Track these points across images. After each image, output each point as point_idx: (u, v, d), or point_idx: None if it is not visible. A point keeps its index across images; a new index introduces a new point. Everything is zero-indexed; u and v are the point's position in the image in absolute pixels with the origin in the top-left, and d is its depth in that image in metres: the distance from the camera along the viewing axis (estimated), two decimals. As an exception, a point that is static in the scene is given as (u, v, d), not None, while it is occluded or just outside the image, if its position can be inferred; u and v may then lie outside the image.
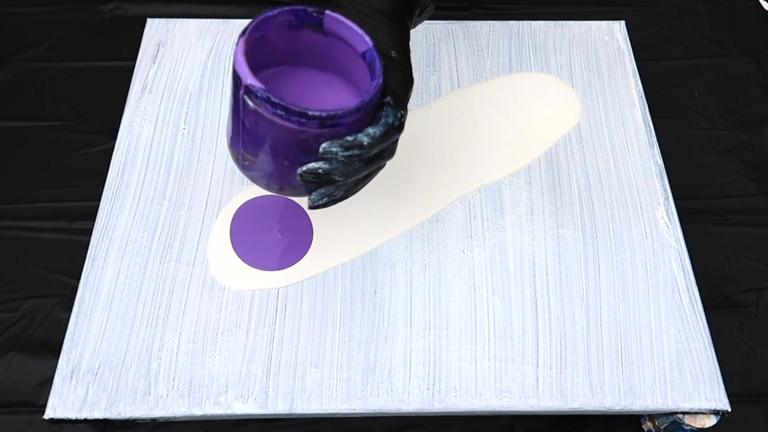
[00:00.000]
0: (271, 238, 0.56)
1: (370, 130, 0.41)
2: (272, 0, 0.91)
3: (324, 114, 0.39)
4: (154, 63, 0.66)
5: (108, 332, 0.51)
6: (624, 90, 0.66)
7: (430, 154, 0.60)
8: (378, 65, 0.41)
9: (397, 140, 0.44)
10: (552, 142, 0.62)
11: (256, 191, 0.58)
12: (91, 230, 0.56)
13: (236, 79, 0.40)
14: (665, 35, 0.91)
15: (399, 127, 0.43)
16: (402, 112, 0.43)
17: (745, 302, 0.71)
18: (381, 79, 0.41)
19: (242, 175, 0.59)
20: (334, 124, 0.40)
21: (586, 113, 0.64)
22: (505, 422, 0.64)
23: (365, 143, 0.41)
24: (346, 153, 0.41)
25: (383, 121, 0.42)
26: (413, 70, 0.46)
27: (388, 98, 0.43)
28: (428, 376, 0.50)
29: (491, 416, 0.63)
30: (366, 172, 0.43)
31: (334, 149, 0.40)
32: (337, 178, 0.41)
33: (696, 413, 0.52)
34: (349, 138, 0.40)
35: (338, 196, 0.43)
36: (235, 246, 0.55)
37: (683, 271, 0.55)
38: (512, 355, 0.51)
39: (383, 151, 0.43)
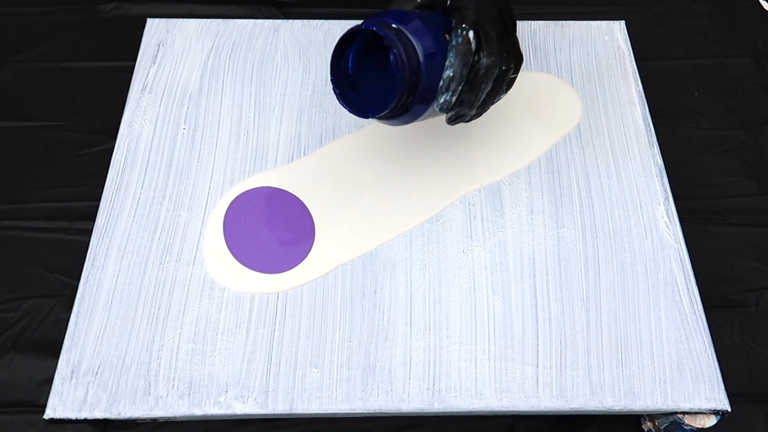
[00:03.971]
0: (270, 238, 0.55)
1: (446, 63, 0.45)
2: (273, 0, 0.91)
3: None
4: (154, 63, 0.66)
5: (108, 332, 0.51)
6: (624, 90, 0.66)
7: (430, 154, 0.60)
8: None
9: (491, 45, 0.46)
10: (552, 143, 0.62)
11: (247, 186, 0.58)
12: (91, 230, 0.56)
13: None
14: (665, 35, 0.91)
15: (464, 43, 0.45)
16: (462, 27, 0.45)
17: (745, 302, 0.70)
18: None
19: (242, 175, 0.59)
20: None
21: (586, 113, 0.64)
22: (505, 422, 0.63)
23: (452, 75, 0.45)
24: (454, 96, 0.46)
25: (452, 44, 0.45)
26: None
27: (454, 20, 0.46)
28: (428, 376, 0.50)
29: (491, 416, 0.63)
30: (487, 88, 0.47)
31: (443, 99, 0.46)
32: (464, 112, 0.49)
33: (696, 413, 0.52)
34: (442, 86, 0.45)
35: (468, 118, 0.50)
36: (231, 247, 0.55)
37: (683, 271, 0.55)
38: (512, 355, 0.51)
39: (487, 67, 0.46)
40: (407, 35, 0.44)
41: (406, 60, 0.44)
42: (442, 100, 0.46)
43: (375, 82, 0.48)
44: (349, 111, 0.48)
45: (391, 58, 0.45)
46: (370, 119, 0.47)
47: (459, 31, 0.45)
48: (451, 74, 0.45)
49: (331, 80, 0.48)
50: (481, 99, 0.48)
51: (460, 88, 0.46)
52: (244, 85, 0.65)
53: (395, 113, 0.47)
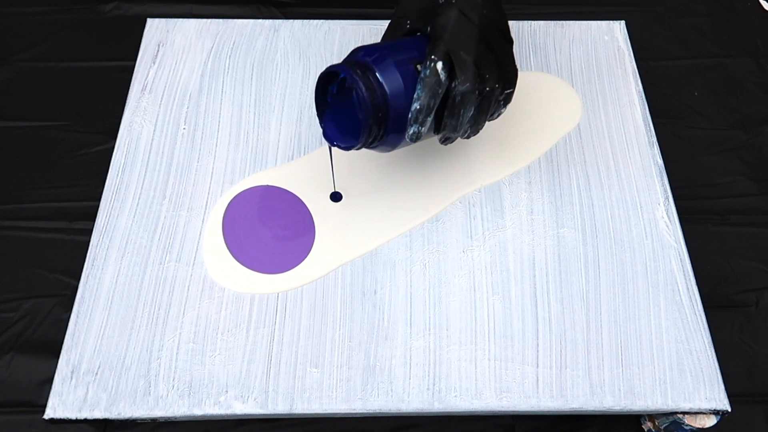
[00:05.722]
0: (270, 238, 0.55)
1: (414, 95, 0.45)
2: (273, 0, 0.91)
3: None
4: (154, 63, 0.66)
5: (108, 332, 0.51)
6: (624, 90, 0.66)
7: (430, 154, 0.60)
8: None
9: (462, 71, 0.46)
10: (552, 142, 0.62)
11: (246, 185, 0.58)
12: (91, 230, 0.56)
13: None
14: (665, 35, 0.91)
15: (432, 75, 0.45)
16: (431, 59, 0.45)
17: (745, 302, 0.71)
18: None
19: (242, 175, 0.59)
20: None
21: (586, 113, 0.64)
22: (505, 422, 0.63)
23: (418, 108, 0.45)
24: (423, 127, 0.46)
25: (421, 76, 0.45)
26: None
27: (427, 49, 0.46)
28: (428, 376, 0.50)
29: (491, 416, 0.63)
30: (468, 112, 0.47)
31: (412, 131, 0.46)
32: (450, 135, 0.49)
33: (696, 413, 0.52)
34: (410, 118, 0.46)
35: (465, 136, 0.50)
36: (231, 247, 0.55)
37: (683, 271, 0.55)
38: (512, 355, 0.51)
39: (462, 93, 0.46)
40: (374, 72, 0.45)
41: (368, 98, 0.45)
42: (411, 132, 0.47)
43: (356, 116, 0.49)
44: (331, 143, 0.50)
45: (354, 96, 0.46)
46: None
47: (428, 63, 0.45)
48: (418, 107, 0.45)
49: (317, 114, 0.50)
50: (464, 122, 0.48)
51: (429, 119, 0.46)
52: (244, 85, 0.65)
53: (370, 145, 0.48)
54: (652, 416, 0.60)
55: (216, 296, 0.53)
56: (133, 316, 0.52)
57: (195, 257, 0.54)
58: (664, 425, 0.57)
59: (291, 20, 0.70)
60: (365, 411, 0.49)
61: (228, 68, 0.66)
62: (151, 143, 0.61)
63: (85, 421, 0.48)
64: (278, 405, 0.48)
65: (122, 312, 0.52)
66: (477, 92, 0.46)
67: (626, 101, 0.65)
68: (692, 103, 0.85)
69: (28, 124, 0.80)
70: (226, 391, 0.49)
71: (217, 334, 0.51)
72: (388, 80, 0.45)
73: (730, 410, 0.50)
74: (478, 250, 0.55)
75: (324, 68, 0.48)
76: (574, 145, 0.62)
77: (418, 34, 0.49)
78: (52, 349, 0.62)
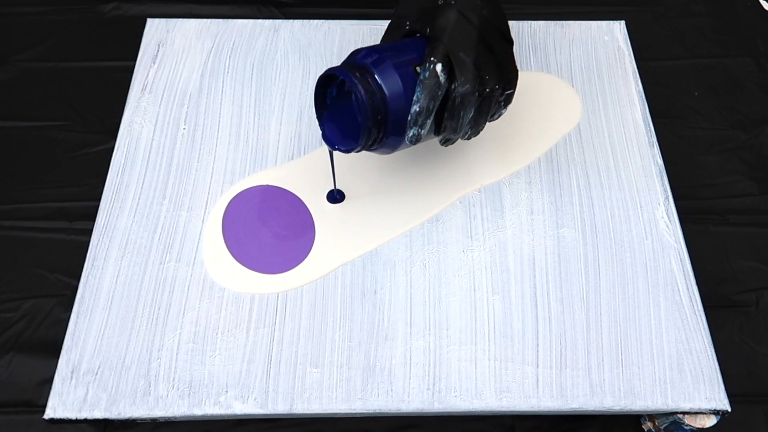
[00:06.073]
0: (270, 238, 0.55)
1: (414, 98, 0.45)
2: (273, 0, 0.91)
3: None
4: (154, 63, 0.66)
5: (108, 332, 0.51)
6: (624, 90, 0.66)
7: (430, 154, 0.60)
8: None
9: (461, 72, 0.46)
10: (552, 142, 0.62)
11: (246, 184, 0.58)
12: (91, 230, 0.56)
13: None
14: (665, 35, 0.91)
15: (431, 77, 0.45)
16: (430, 61, 0.45)
17: (745, 302, 0.71)
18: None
19: (242, 175, 0.59)
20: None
21: (586, 113, 0.64)
22: (505, 422, 0.63)
23: (418, 110, 0.45)
24: (423, 129, 0.46)
25: (420, 78, 0.45)
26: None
27: (427, 51, 0.46)
28: (428, 376, 0.50)
29: (491, 416, 0.63)
30: (468, 114, 0.47)
31: (411, 133, 0.46)
32: (450, 136, 0.49)
33: (696, 413, 0.52)
34: (410, 120, 0.46)
35: (465, 137, 0.51)
36: (231, 247, 0.55)
37: (683, 271, 0.55)
38: (512, 355, 0.51)
39: (463, 95, 0.46)
40: (373, 74, 0.45)
41: (367, 100, 0.45)
42: (410, 134, 0.47)
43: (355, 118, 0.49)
44: (331, 147, 0.50)
45: (353, 99, 0.46)
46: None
47: (427, 65, 0.45)
48: (418, 109, 0.45)
49: (317, 117, 0.50)
50: (464, 124, 0.48)
51: (429, 121, 0.46)
52: (244, 85, 0.65)
53: (370, 147, 0.48)
54: (652, 416, 0.60)
55: (216, 296, 0.53)
56: (133, 316, 0.52)
57: (195, 257, 0.54)
58: (664, 425, 0.57)
59: (291, 20, 0.70)
60: (365, 411, 0.49)
61: (228, 68, 0.66)
62: (151, 143, 0.61)
63: (85, 421, 0.48)
64: (278, 405, 0.48)
65: (122, 312, 0.52)
66: (477, 94, 0.46)
67: (626, 101, 0.65)
68: (692, 103, 0.85)
69: (28, 124, 0.80)
70: (226, 391, 0.49)
71: (217, 334, 0.51)
72: (387, 83, 0.45)
73: (730, 410, 0.50)
74: (478, 250, 0.55)
75: (324, 69, 0.48)
76: (574, 145, 0.62)
77: (418, 35, 0.49)
78: (52, 349, 0.62)
